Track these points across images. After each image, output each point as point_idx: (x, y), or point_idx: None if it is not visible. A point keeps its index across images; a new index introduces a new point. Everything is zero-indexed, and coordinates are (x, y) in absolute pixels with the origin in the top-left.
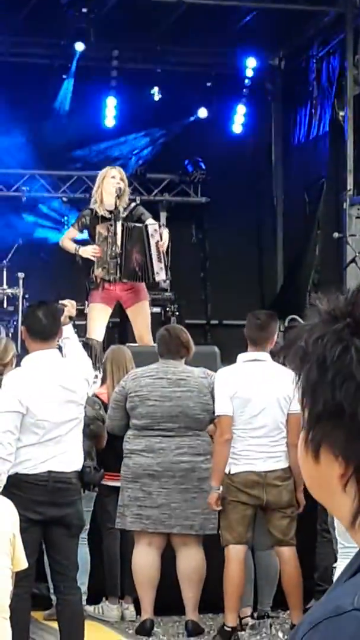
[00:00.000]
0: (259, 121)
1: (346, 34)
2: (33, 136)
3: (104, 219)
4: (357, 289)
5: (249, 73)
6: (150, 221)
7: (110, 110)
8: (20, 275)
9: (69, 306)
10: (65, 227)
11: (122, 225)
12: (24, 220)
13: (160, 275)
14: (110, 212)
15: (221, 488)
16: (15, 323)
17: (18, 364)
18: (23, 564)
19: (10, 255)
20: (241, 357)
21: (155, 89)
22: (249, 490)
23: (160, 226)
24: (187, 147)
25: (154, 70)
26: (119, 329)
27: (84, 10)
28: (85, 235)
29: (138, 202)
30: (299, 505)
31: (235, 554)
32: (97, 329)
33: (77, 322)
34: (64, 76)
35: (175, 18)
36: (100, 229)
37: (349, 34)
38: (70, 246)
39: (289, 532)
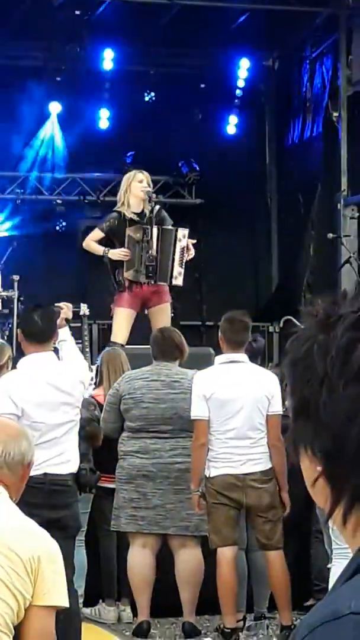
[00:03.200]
0: (252, 122)
1: (339, 35)
2: (26, 139)
3: (132, 222)
4: (344, 292)
5: (243, 74)
6: (173, 227)
7: (104, 112)
8: (15, 277)
9: (65, 309)
10: (60, 229)
11: (158, 229)
12: (18, 222)
13: (178, 280)
14: (138, 215)
15: (201, 490)
16: (10, 326)
17: (14, 367)
18: (56, 599)
19: (4, 258)
20: (218, 359)
21: (149, 92)
22: (228, 493)
23: (187, 234)
24: (181, 148)
25: (147, 72)
26: None
27: (77, 12)
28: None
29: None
30: (284, 506)
31: (224, 556)
32: (122, 333)
33: (72, 325)
34: (58, 78)
35: (168, 20)
36: (131, 232)
37: (342, 34)
38: (98, 248)
39: (273, 536)
